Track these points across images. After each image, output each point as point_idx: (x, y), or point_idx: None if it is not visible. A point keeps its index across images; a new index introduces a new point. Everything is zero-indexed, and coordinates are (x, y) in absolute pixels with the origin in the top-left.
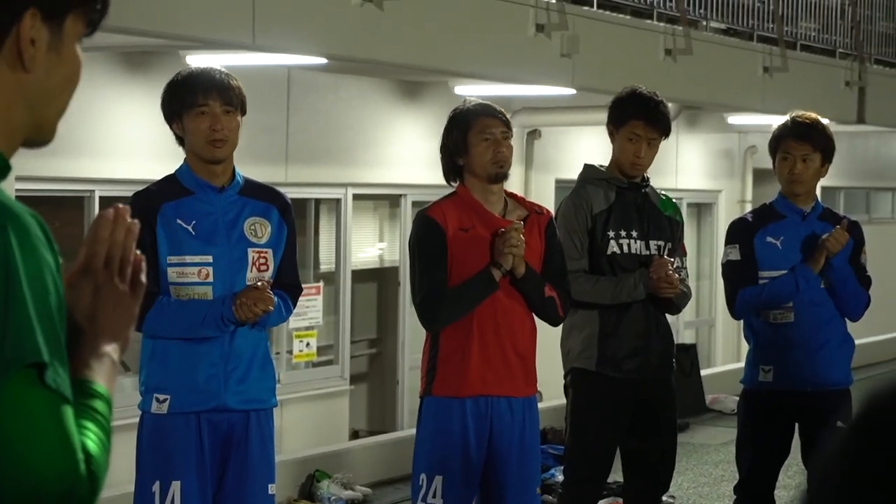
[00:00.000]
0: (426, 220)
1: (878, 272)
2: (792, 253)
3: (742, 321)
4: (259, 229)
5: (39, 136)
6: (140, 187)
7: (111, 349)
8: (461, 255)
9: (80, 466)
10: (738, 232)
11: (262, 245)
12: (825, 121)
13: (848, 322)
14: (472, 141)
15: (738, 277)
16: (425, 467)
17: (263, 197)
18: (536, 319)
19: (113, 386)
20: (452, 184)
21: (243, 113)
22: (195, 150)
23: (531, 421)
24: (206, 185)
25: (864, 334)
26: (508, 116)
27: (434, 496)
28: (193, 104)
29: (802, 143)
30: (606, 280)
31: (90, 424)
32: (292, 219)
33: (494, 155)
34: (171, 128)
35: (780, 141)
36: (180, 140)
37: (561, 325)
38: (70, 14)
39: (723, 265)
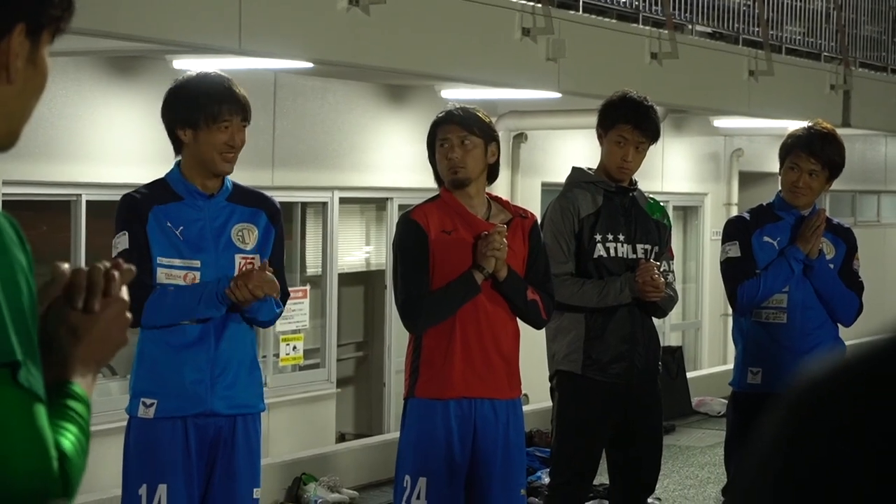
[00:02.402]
0: (409, 222)
1: (863, 275)
2: None
3: (732, 322)
4: (246, 235)
5: (5, 142)
6: (126, 191)
7: (93, 358)
8: (443, 257)
9: (52, 464)
10: (737, 229)
11: (249, 251)
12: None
13: (840, 328)
14: (435, 149)
15: (738, 273)
16: (409, 469)
17: (252, 202)
18: (520, 322)
19: (91, 391)
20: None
21: None
22: (205, 162)
23: (515, 423)
24: (196, 191)
25: (848, 337)
26: (493, 120)
27: (418, 498)
28: (218, 118)
29: (813, 158)
30: (592, 284)
31: (68, 425)
32: (281, 224)
33: (448, 161)
34: (172, 132)
35: (791, 150)
36: (177, 145)
37: (547, 328)
38: (47, 27)
39: (722, 263)
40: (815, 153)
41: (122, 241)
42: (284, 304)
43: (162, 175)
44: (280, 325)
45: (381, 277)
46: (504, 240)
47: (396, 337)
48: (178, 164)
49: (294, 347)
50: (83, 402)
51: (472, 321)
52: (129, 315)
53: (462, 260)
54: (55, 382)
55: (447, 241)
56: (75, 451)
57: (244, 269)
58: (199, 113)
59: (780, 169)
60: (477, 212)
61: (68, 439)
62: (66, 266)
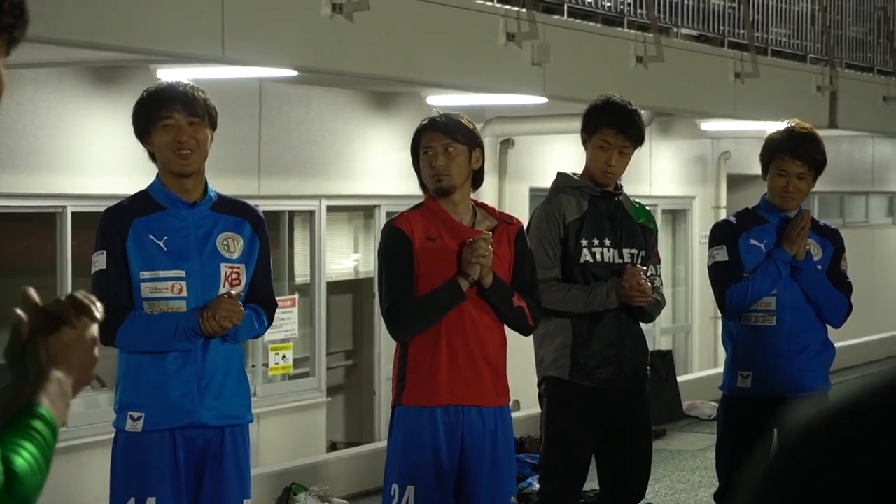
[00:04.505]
0: (393, 230)
1: (852, 276)
2: None
3: (721, 326)
4: (231, 244)
5: None
6: (111, 202)
7: (66, 380)
8: (428, 265)
9: None
10: (724, 233)
11: (235, 260)
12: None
13: (829, 328)
14: (419, 156)
15: (726, 277)
16: (397, 477)
17: (236, 212)
18: (508, 329)
19: (63, 414)
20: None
21: (213, 126)
22: (164, 163)
23: (503, 430)
24: (178, 200)
25: (837, 338)
26: (480, 126)
27: None
28: (158, 118)
29: (799, 161)
30: (578, 289)
31: (25, 443)
32: (265, 233)
33: (432, 169)
34: (143, 145)
35: (776, 155)
36: (153, 156)
37: (535, 334)
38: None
39: (710, 267)
40: (800, 156)
41: (99, 261)
42: (272, 315)
43: (145, 186)
44: (269, 335)
45: (369, 285)
46: (489, 247)
47: (386, 345)
48: (158, 175)
49: (283, 356)
50: (46, 423)
51: (457, 328)
52: (94, 333)
53: (447, 267)
54: (24, 403)
55: (432, 248)
56: (29, 469)
57: (229, 279)
58: (147, 117)
59: (764, 172)
60: (462, 219)
61: (22, 457)
62: (32, 296)
